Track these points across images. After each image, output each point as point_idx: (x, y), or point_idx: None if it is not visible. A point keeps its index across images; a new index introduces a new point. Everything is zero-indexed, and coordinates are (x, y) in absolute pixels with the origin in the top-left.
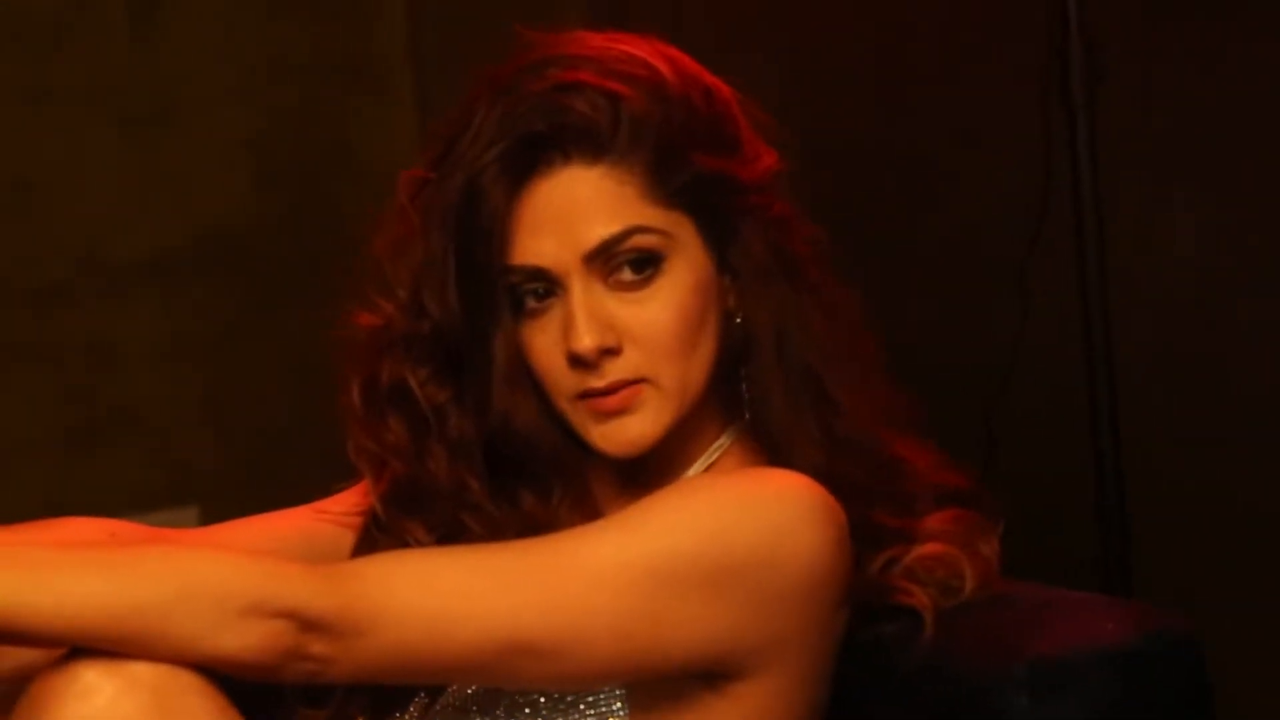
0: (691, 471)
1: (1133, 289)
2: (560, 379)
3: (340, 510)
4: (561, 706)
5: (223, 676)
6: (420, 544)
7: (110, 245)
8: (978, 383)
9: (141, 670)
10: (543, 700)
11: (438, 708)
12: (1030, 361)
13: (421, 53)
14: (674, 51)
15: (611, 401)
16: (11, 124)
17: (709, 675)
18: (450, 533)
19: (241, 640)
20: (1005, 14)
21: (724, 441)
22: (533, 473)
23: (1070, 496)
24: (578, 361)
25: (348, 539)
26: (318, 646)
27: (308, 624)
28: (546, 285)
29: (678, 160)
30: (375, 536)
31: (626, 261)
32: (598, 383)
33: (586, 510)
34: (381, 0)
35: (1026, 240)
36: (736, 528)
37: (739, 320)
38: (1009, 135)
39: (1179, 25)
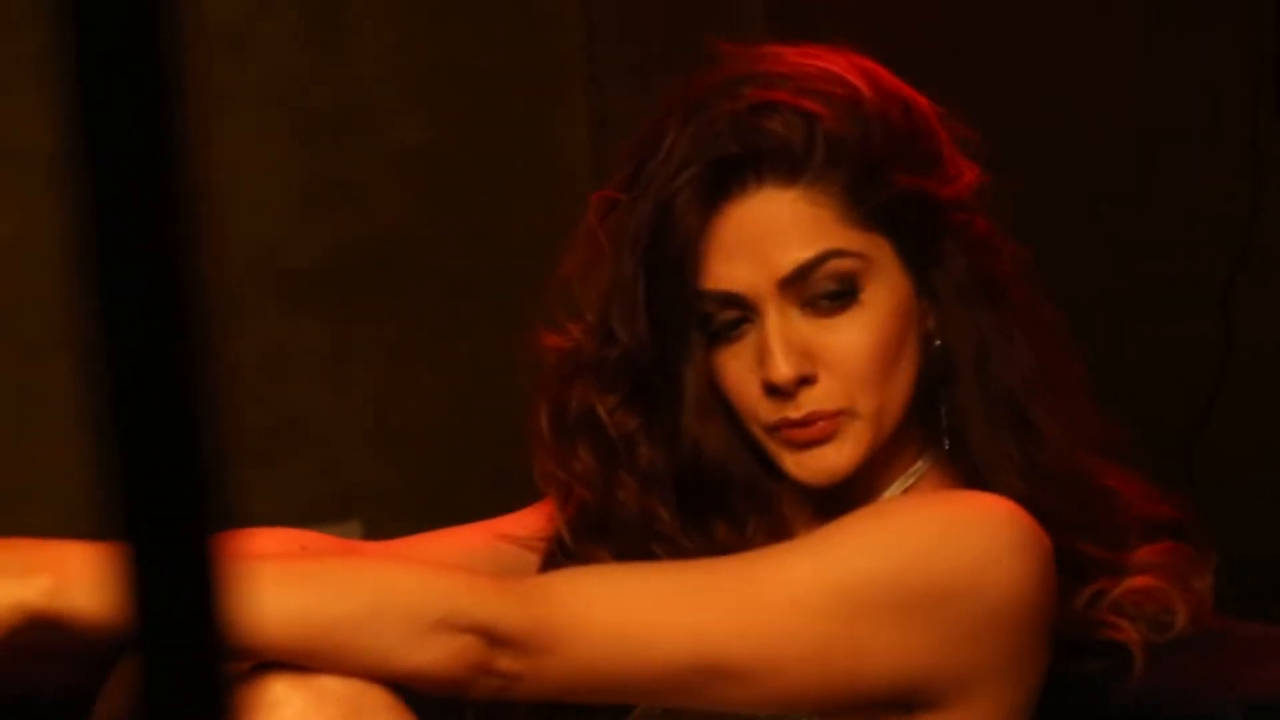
0: (887, 495)
1: None
2: (755, 407)
3: (524, 533)
4: None
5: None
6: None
7: (285, 253)
8: (1176, 414)
9: (332, 685)
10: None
11: None
12: (1233, 391)
13: (597, 59)
14: (870, 65)
15: (809, 432)
16: (191, 130)
17: (905, 705)
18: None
19: (432, 654)
20: (1210, 18)
21: (920, 467)
22: (725, 502)
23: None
24: (774, 391)
25: (533, 562)
26: (506, 662)
27: (497, 640)
28: (740, 311)
29: (876, 181)
30: (561, 562)
31: (824, 285)
32: (794, 413)
33: (781, 539)
34: (558, 8)
35: (1231, 260)
36: (938, 552)
37: (938, 344)
38: (1213, 146)
39: None
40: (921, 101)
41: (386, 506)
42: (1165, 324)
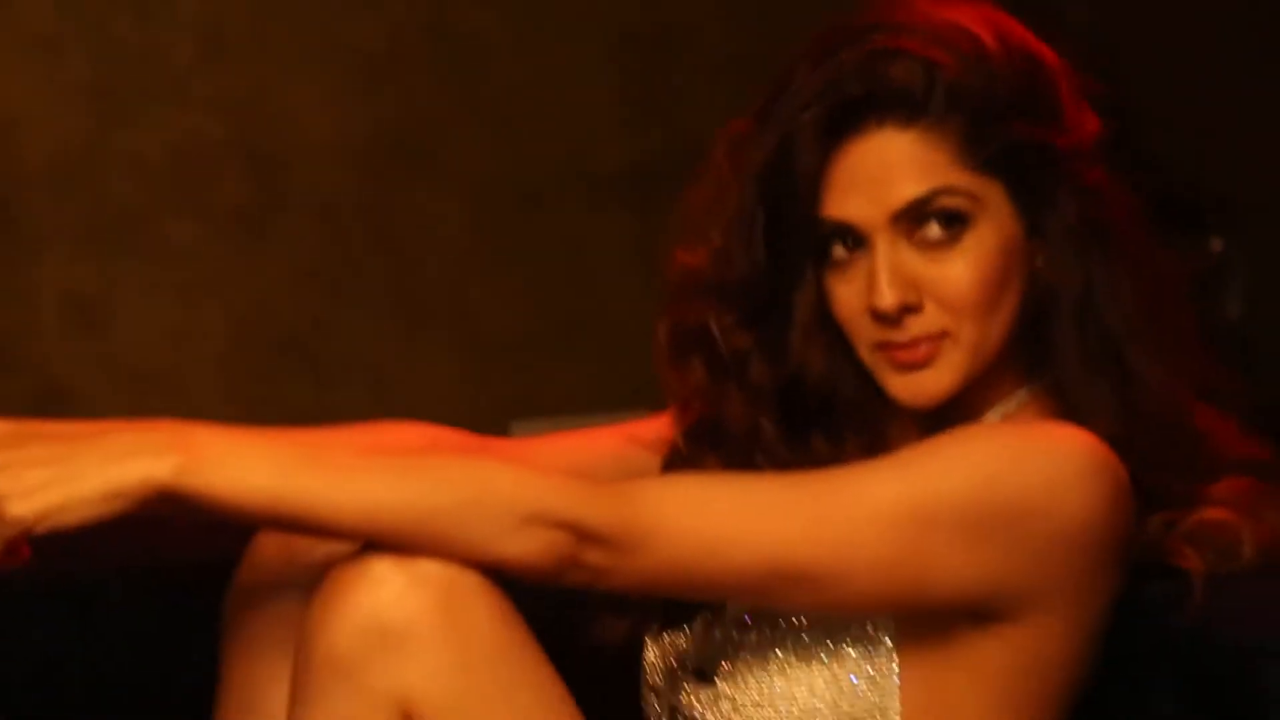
0: (986, 419)
1: None
2: (862, 329)
3: (652, 437)
4: (833, 629)
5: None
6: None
7: (590, 157)
8: None
9: (431, 568)
10: (815, 622)
11: (721, 621)
12: None
13: None
14: (1002, 18)
15: (912, 354)
16: (509, 37)
17: (976, 615)
18: (744, 471)
19: (524, 546)
20: None
21: (1022, 395)
22: (825, 420)
23: None
24: (880, 317)
25: (656, 464)
26: (594, 557)
27: (586, 536)
28: (854, 240)
29: (993, 128)
30: (678, 466)
31: (933, 220)
32: (900, 336)
33: (876, 456)
34: None
35: None
36: (1009, 475)
37: (1045, 284)
38: None
39: None
40: (1048, 54)
41: None
42: None
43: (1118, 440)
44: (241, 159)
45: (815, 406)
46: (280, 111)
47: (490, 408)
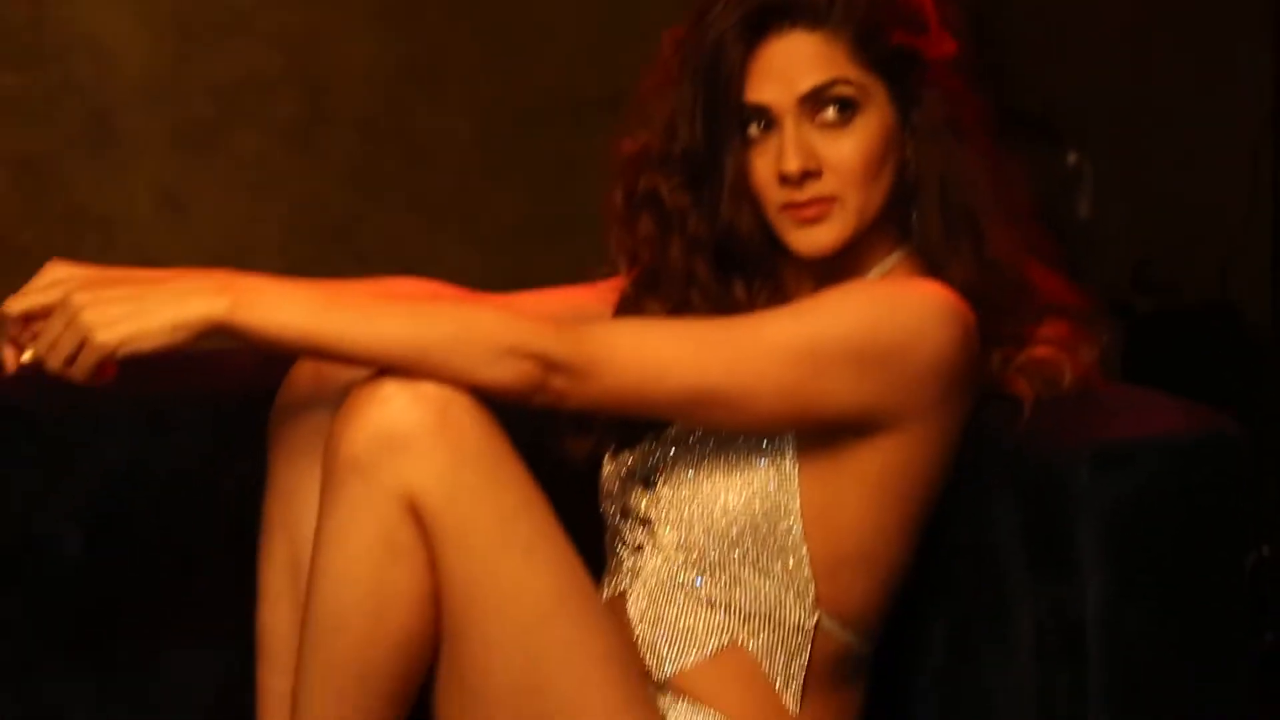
0: (869, 277)
1: None
2: (771, 192)
3: (605, 290)
4: (747, 444)
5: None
6: (654, 316)
7: (575, 86)
8: None
9: (429, 389)
10: (732, 439)
11: (661, 440)
12: None
13: None
14: None
15: (808, 211)
16: None
17: (857, 430)
18: (679, 309)
19: (502, 373)
20: None
21: (896, 257)
22: (744, 268)
23: None
24: (785, 180)
25: (609, 312)
26: (557, 383)
27: (550, 365)
28: (768, 120)
29: (879, 35)
30: (626, 310)
31: (830, 105)
32: (799, 196)
33: (779, 301)
34: None
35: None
36: (884, 320)
37: (913, 168)
38: None
39: None
40: None
41: None
42: None
43: (969, 291)
44: (294, 83)
45: (737, 257)
46: (325, 45)
47: (492, 286)
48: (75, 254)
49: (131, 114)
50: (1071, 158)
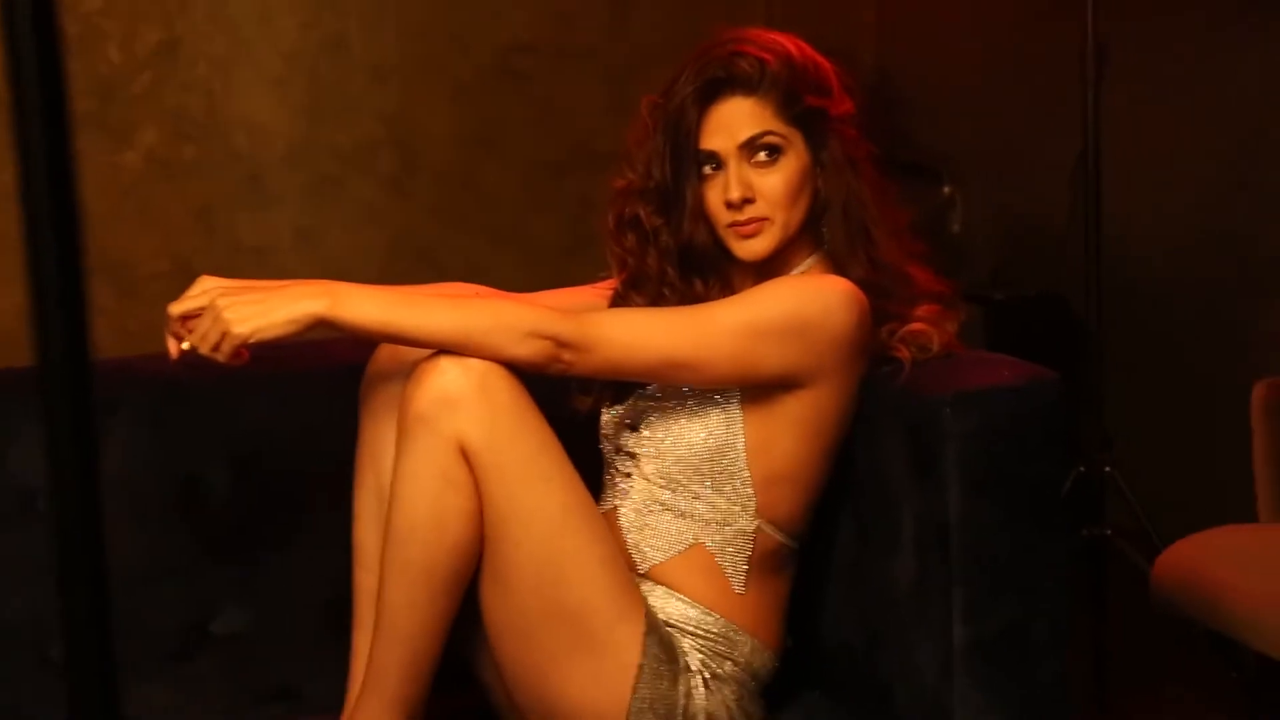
0: (793, 274)
1: None
2: (721, 214)
3: (604, 290)
4: (706, 397)
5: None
6: (637, 306)
7: (590, 143)
8: None
9: (474, 363)
10: (695, 393)
11: (644, 395)
12: None
13: None
14: (801, 41)
15: (747, 229)
16: (544, 72)
17: (786, 385)
18: (655, 301)
19: (526, 350)
20: None
21: (811, 261)
22: (701, 270)
23: None
24: (730, 205)
25: (605, 303)
26: (566, 357)
27: (561, 344)
28: (717, 161)
29: (795, 98)
30: (617, 303)
31: (762, 150)
32: (740, 217)
33: (728, 294)
34: None
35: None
36: (804, 304)
37: (823, 194)
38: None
39: None
40: (825, 61)
41: None
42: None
43: (864, 283)
44: (393, 146)
45: (696, 262)
46: (415, 118)
47: (535, 288)
48: (236, 275)
49: (276, 172)
50: (946, 189)
